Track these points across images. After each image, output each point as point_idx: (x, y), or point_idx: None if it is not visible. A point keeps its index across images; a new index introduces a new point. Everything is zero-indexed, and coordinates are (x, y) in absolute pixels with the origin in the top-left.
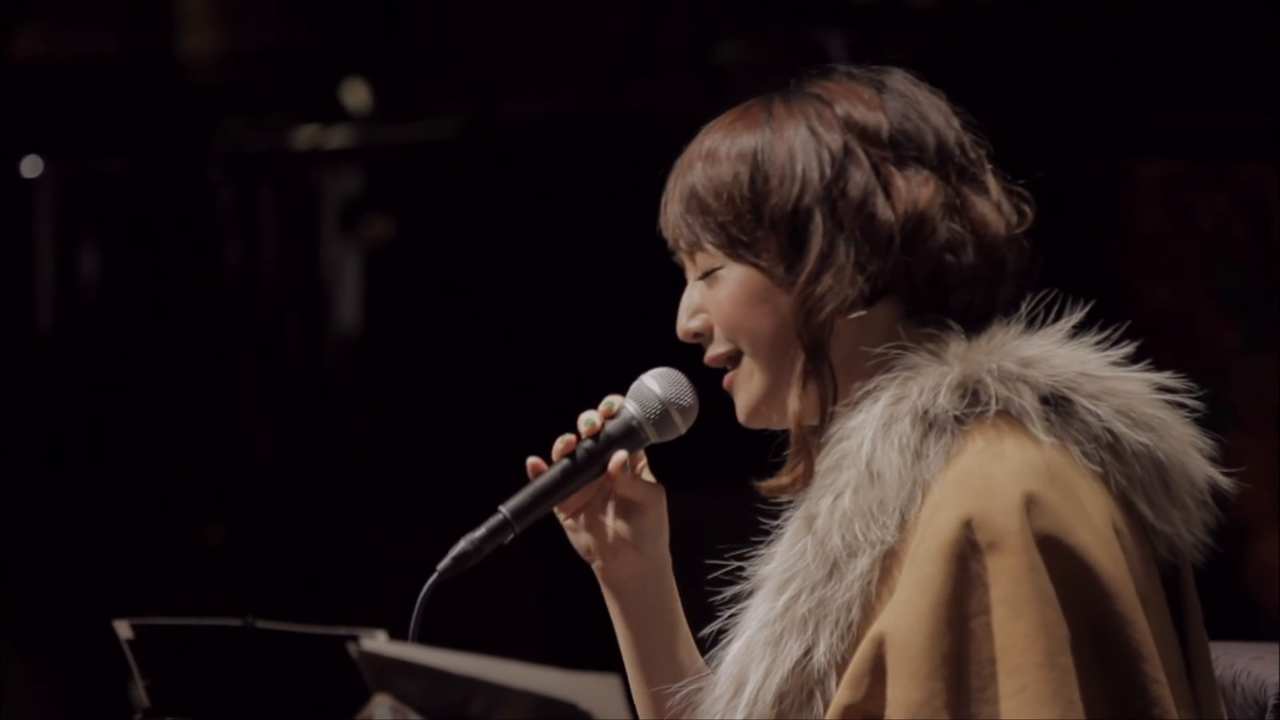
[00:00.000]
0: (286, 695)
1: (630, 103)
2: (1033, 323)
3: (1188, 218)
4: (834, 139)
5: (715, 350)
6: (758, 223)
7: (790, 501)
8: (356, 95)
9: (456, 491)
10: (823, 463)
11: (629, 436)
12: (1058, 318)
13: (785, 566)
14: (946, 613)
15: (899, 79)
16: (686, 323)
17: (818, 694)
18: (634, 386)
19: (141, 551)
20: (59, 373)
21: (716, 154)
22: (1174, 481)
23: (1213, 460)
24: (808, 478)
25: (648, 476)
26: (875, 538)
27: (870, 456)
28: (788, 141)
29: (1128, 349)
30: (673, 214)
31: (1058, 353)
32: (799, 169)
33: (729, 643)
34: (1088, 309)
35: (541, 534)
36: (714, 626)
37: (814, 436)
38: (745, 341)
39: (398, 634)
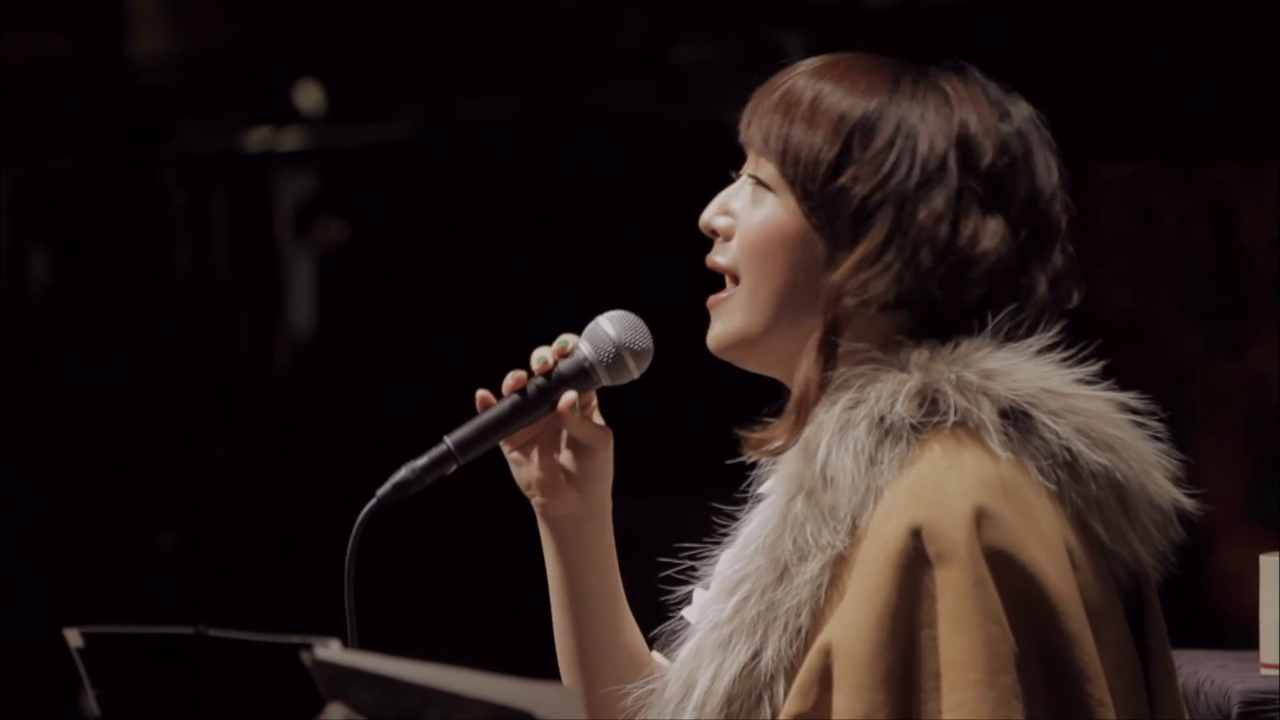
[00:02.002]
0: (239, 704)
1: (587, 104)
2: (997, 334)
3: (1151, 220)
4: (939, 145)
5: (718, 260)
6: (832, 180)
7: (744, 502)
8: (310, 97)
9: (413, 497)
10: (797, 446)
11: (580, 377)
12: (1029, 332)
13: (737, 568)
14: (892, 624)
15: (1024, 112)
16: (713, 217)
17: (766, 698)
18: (589, 327)
19: (92, 558)
20: (8, 376)
21: (823, 104)
22: (1132, 503)
23: (1176, 481)
24: (790, 443)
25: (598, 419)
26: (825, 542)
27: (825, 461)
28: (897, 123)
29: (1094, 367)
30: (759, 119)
31: (1022, 367)
32: (890, 160)
33: (681, 643)
34: (1069, 323)
35: (506, 544)
36: (665, 627)
37: (812, 404)
38: (750, 275)
39: (352, 642)
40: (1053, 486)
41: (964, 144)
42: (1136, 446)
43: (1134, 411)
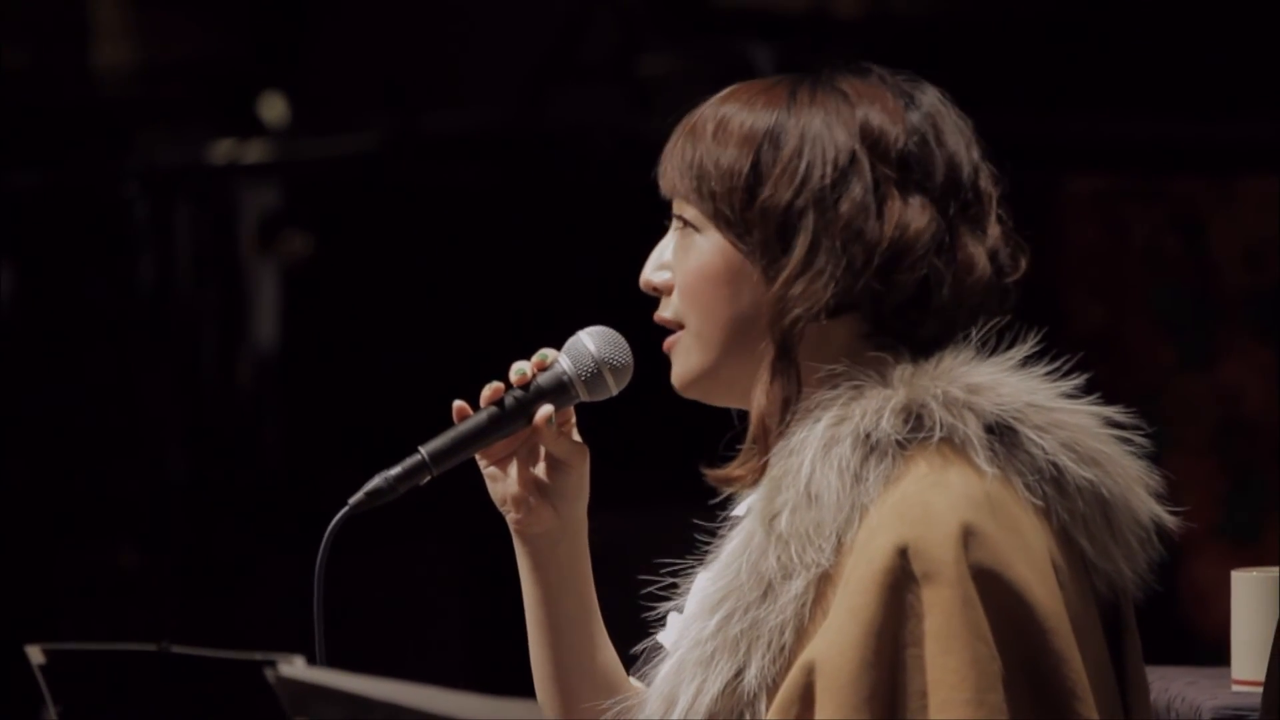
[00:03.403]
0: None
1: (555, 115)
2: (984, 348)
3: (1121, 233)
4: (844, 142)
5: (664, 315)
6: (750, 205)
7: (726, 517)
8: (274, 109)
9: (376, 511)
10: (770, 472)
11: (559, 391)
12: (1010, 345)
13: (720, 585)
14: (878, 643)
15: (931, 97)
16: (651, 274)
17: (748, 716)
18: (570, 342)
19: (54, 575)
20: None
21: (729, 124)
22: (1117, 518)
23: (1158, 496)
24: (757, 476)
25: (575, 436)
26: (811, 560)
27: (809, 478)
28: (800, 133)
29: (1078, 380)
30: (672, 166)
31: (1006, 381)
32: (802, 165)
33: (661, 660)
34: (1040, 337)
35: (473, 560)
36: (646, 644)
37: (774, 434)
38: (695, 316)
39: (320, 650)
40: (1039, 502)
41: (869, 135)
42: (1121, 461)
43: (1117, 426)
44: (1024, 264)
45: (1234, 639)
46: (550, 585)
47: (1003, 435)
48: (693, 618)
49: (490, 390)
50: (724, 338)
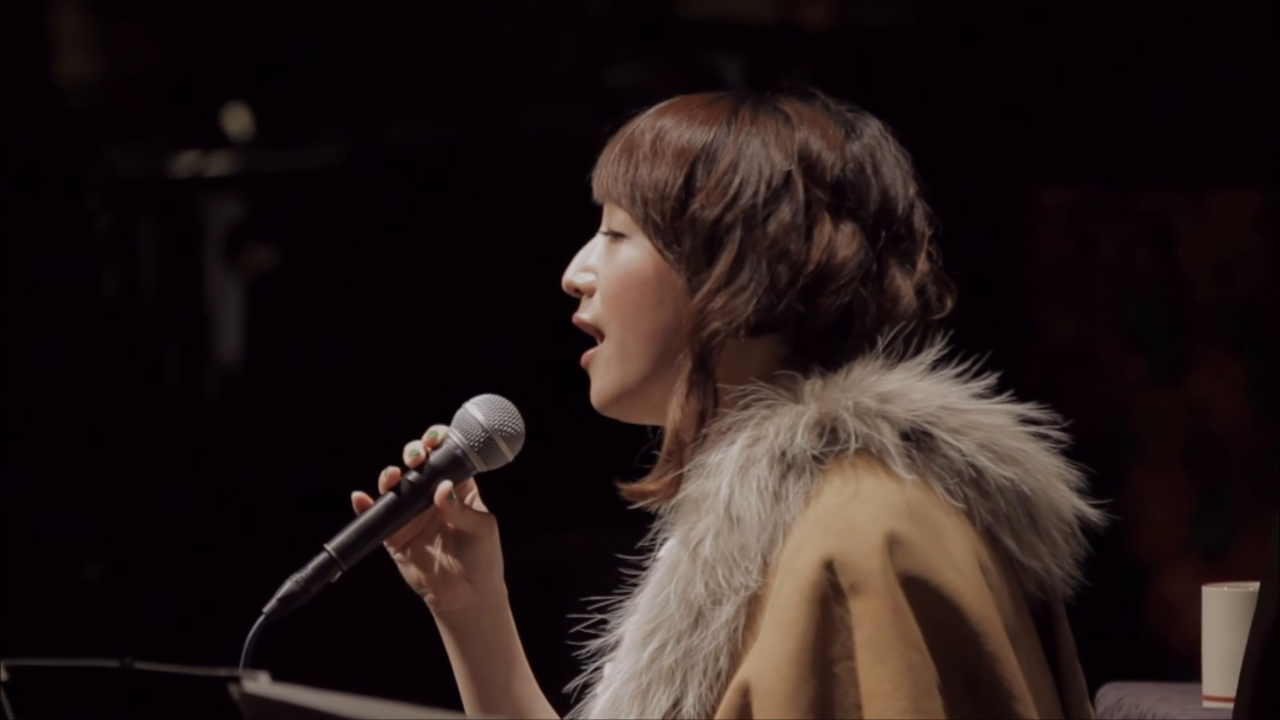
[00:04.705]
0: None
1: (521, 127)
2: (892, 355)
3: (1091, 246)
4: (781, 162)
5: (583, 317)
6: (680, 214)
7: (652, 547)
8: (238, 120)
9: (341, 526)
10: (685, 491)
11: (454, 466)
12: (918, 350)
13: (649, 617)
14: (810, 659)
15: (873, 129)
16: (574, 275)
17: None
18: (458, 415)
19: (17, 588)
20: None
21: (666, 138)
22: (1040, 515)
23: (1079, 491)
24: (672, 491)
25: (479, 506)
26: (739, 583)
27: (729, 500)
28: (738, 150)
29: (989, 379)
30: (606, 173)
31: (918, 386)
32: (735, 181)
33: (594, 697)
34: (948, 339)
35: None
36: (578, 681)
37: (689, 448)
38: (617, 324)
39: (280, 674)
40: (961, 505)
41: (806, 158)
42: (1039, 458)
43: (1033, 422)
44: (950, 304)
45: (1205, 655)
46: (478, 660)
47: (919, 441)
48: (625, 652)
49: (386, 476)
50: (644, 350)
